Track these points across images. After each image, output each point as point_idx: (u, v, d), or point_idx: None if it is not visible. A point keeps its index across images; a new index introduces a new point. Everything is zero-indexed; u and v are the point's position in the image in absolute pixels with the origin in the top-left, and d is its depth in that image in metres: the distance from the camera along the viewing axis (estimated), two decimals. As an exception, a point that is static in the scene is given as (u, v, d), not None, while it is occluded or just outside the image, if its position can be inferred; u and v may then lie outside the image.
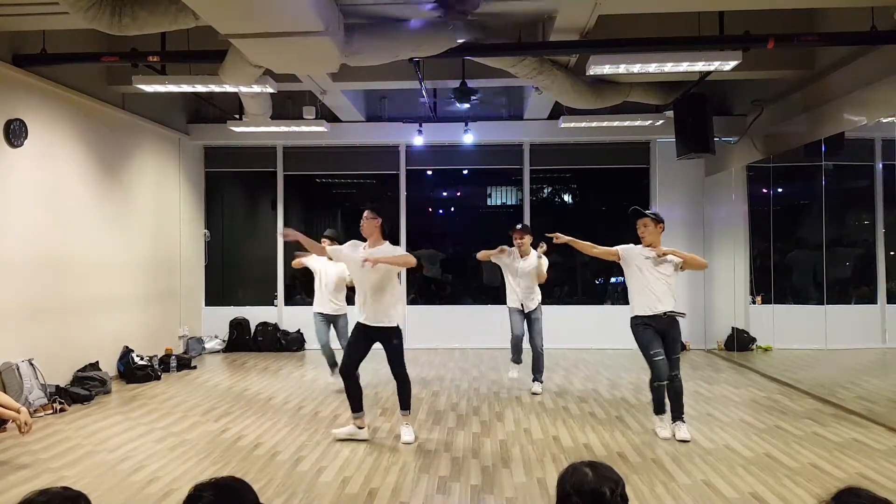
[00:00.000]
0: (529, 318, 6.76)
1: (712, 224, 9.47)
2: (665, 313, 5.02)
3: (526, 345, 6.76)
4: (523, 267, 6.71)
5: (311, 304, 7.09)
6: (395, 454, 4.72)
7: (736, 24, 5.59)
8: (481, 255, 6.89)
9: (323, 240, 6.62)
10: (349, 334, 5.41)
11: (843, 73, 6.39)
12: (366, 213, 5.13)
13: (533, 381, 6.78)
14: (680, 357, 5.14)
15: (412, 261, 5.05)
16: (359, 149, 9.89)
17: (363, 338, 5.08)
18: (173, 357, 8.08)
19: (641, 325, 5.09)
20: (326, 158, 10.05)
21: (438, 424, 5.53)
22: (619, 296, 10.09)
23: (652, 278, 5.07)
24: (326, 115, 8.82)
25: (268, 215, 10.18)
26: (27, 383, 5.78)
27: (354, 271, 5.12)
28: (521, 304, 6.75)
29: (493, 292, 10.19)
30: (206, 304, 9.90)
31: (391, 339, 5.08)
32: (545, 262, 6.76)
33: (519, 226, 6.83)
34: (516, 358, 6.89)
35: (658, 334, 5.04)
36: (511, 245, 6.77)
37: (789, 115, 7.41)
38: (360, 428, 5.10)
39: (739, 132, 8.37)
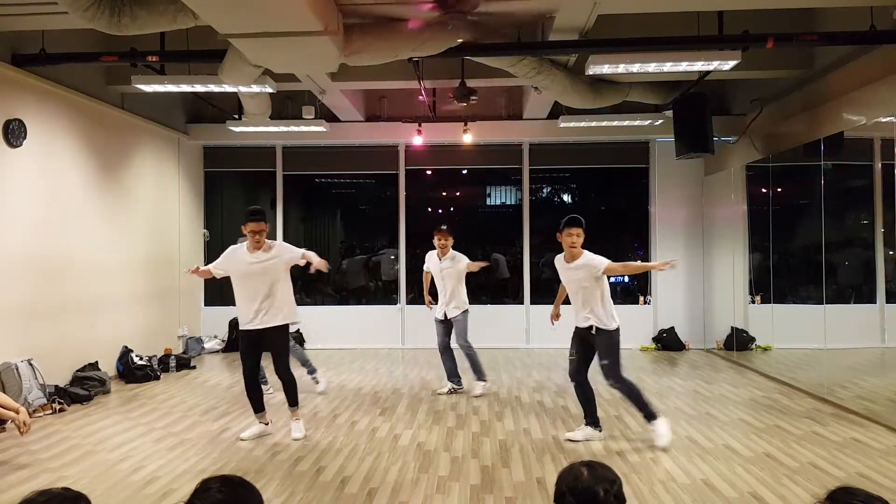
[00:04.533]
0: (444, 324, 6.72)
1: (712, 224, 9.47)
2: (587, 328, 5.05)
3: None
4: (445, 269, 6.66)
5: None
6: (394, 454, 4.73)
7: (735, 23, 5.59)
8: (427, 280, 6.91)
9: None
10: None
11: (843, 72, 6.40)
12: (256, 225, 5.10)
13: (476, 380, 6.68)
14: (607, 364, 4.98)
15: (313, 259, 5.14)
16: (358, 148, 9.90)
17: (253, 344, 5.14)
18: (172, 357, 8.08)
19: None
20: (326, 158, 10.05)
21: (438, 424, 5.53)
22: (619, 295, 10.11)
23: (573, 289, 5.10)
24: (325, 114, 8.82)
25: (267, 215, 10.15)
26: (26, 383, 5.78)
27: (239, 278, 5.12)
28: (444, 313, 6.69)
29: (491, 291, 10.21)
30: (206, 304, 9.90)
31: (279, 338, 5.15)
32: (463, 259, 6.70)
33: (443, 227, 6.77)
34: (452, 378, 6.75)
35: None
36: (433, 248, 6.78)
37: (788, 114, 7.41)
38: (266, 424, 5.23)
39: (739, 132, 8.38)
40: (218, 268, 5.25)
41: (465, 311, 6.69)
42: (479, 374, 6.70)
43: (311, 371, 6.76)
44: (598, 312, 4.95)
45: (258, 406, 5.21)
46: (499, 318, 9.52)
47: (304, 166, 10.05)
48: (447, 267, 6.67)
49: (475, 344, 6.75)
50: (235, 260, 5.15)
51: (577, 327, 5.13)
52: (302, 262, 5.22)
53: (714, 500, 3.82)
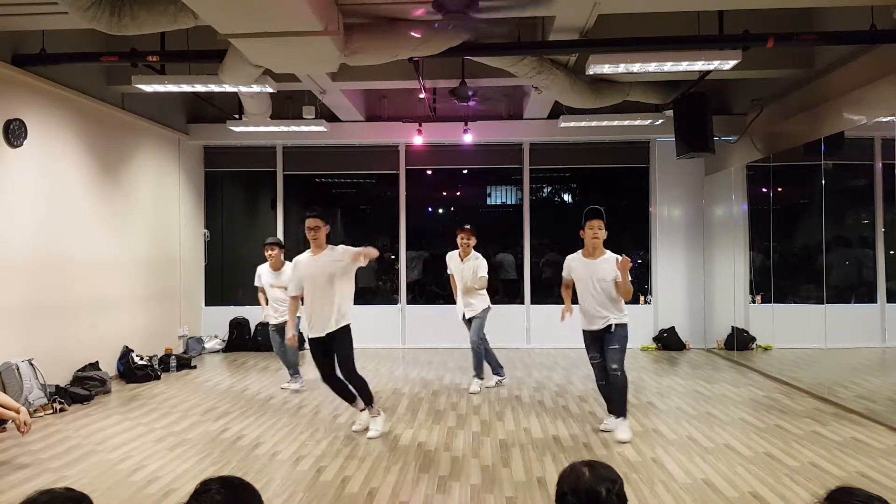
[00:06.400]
0: (468, 323, 6.80)
1: (712, 223, 9.47)
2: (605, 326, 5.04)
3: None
4: (465, 269, 6.73)
5: None
6: (395, 454, 4.73)
7: (735, 23, 5.59)
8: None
9: (267, 248, 6.75)
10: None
11: (843, 72, 6.39)
12: (311, 221, 5.10)
13: (474, 377, 6.84)
14: (618, 349, 5.04)
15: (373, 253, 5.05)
16: (358, 148, 9.90)
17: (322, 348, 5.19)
18: (173, 357, 8.08)
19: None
20: (326, 158, 10.05)
21: (438, 424, 5.53)
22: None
23: (591, 288, 5.06)
24: (326, 114, 8.82)
25: (267, 215, 10.18)
26: (27, 383, 5.78)
27: (306, 284, 5.17)
28: (463, 313, 6.78)
29: (491, 291, 10.19)
30: (206, 304, 9.91)
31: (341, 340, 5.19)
32: (482, 263, 6.74)
33: (467, 226, 6.81)
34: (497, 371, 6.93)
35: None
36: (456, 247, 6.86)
37: (789, 114, 7.41)
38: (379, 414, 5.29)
39: (739, 131, 8.38)
40: (295, 287, 5.26)
41: (486, 309, 6.76)
42: (479, 371, 6.81)
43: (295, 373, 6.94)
44: (615, 308, 5.00)
45: (350, 397, 5.26)
46: (499, 318, 9.47)
47: (305, 166, 10.05)
48: (470, 268, 6.73)
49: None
50: (301, 266, 5.20)
51: (589, 331, 5.10)
52: (359, 261, 5.06)
53: (714, 499, 3.82)
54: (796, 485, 4.02)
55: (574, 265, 5.19)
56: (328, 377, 5.21)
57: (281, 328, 6.72)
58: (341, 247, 5.15)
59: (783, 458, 4.53)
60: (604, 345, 5.06)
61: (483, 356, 6.79)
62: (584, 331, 5.16)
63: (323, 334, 5.08)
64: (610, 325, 5.00)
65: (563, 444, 4.93)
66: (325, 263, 5.09)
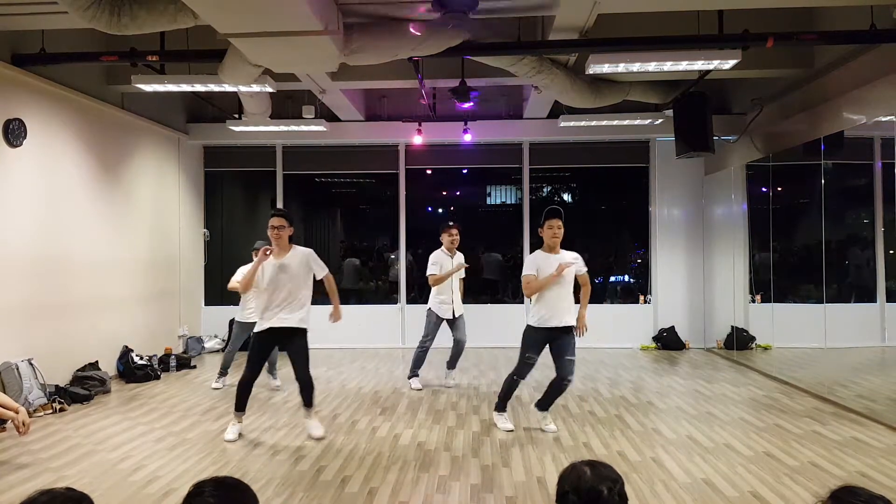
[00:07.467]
0: (456, 321, 6.81)
1: (712, 223, 9.48)
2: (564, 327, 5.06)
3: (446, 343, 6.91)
4: (457, 266, 6.79)
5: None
6: (395, 453, 4.73)
7: (735, 22, 5.59)
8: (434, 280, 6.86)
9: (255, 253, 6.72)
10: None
11: (843, 71, 6.39)
12: (276, 220, 5.16)
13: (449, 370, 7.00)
14: (574, 361, 5.13)
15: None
16: (358, 148, 9.90)
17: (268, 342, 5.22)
18: (173, 356, 8.08)
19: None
20: (326, 158, 10.05)
21: (438, 424, 5.53)
22: (619, 294, 10.11)
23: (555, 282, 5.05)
24: (326, 114, 8.82)
25: (267, 215, 10.15)
26: (27, 383, 5.78)
27: (267, 279, 5.18)
28: (453, 311, 6.78)
29: (492, 291, 10.21)
30: (206, 304, 9.90)
31: (299, 340, 5.18)
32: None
33: (451, 223, 6.86)
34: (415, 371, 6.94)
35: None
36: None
37: (789, 113, 7.41)
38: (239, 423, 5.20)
39: (739, 131, 8.38)
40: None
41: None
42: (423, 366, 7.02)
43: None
44: (572, 306, 5.06)
45: (241, 406, 5.17)
46: (499, 318, 9.51)
47: (305, 166, 10.05)
48: (459, 264, 6.78)
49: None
50: (265, 268, 5.20)
51: (547, 328, 5.08)
52: (319, 276, 5.23)
53: (714, 499, 3.82)
54: (796, 484, 4.02)
55: (540, 262, 5.14)
56: (248, 380, 5.15)
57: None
58: (304, 251, 5.18)
59: (783, 458, 4.53)
60: (557, 350, 5.10)
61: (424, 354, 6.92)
62: (534, 328, 5.13)
63: (278, 325, 5.06)
64: (569, 327, 5.06)
65: (563, 444, 4.93)
66: (293, 268, 5.09)
